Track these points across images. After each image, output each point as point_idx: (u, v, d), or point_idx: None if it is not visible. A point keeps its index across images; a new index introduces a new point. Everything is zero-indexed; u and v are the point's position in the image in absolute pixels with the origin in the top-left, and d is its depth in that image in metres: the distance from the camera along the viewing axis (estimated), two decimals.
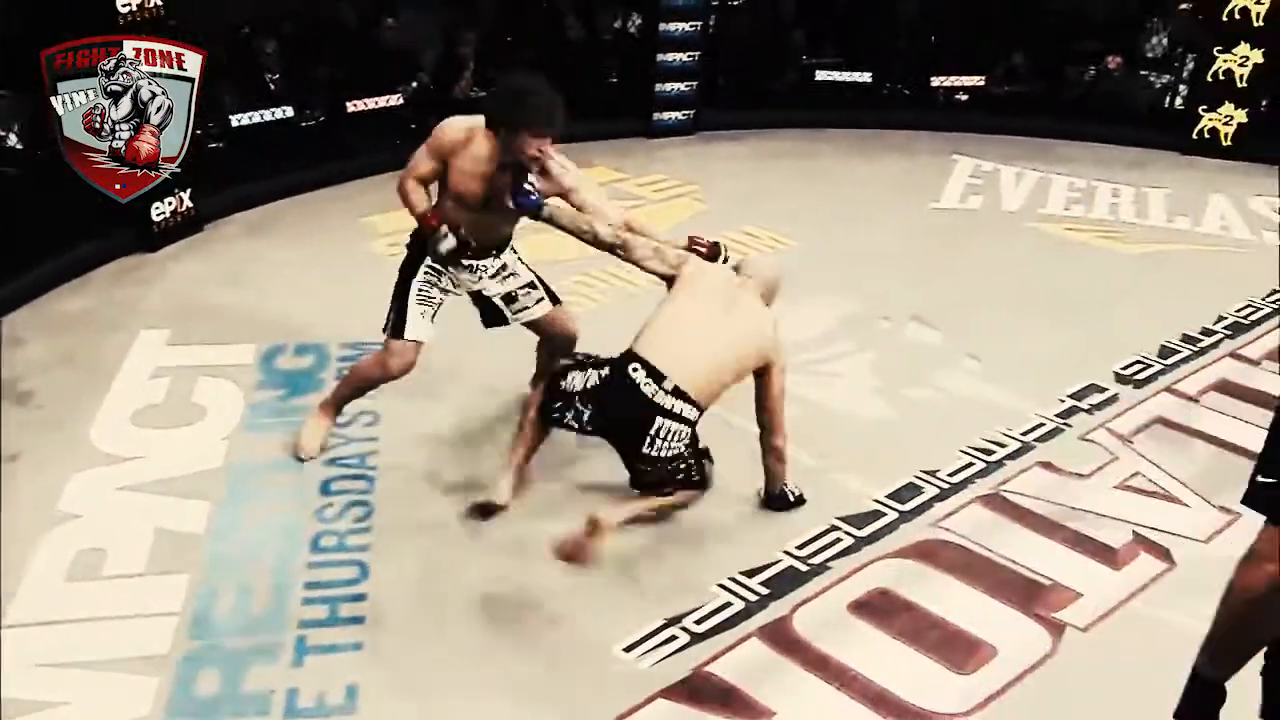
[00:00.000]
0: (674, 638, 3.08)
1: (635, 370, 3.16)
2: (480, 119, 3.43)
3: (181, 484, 3.64)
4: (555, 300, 3.85)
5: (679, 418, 3.13)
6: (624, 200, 6.38)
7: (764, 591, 3.26)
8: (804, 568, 3.36)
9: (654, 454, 3.14)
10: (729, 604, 3.21)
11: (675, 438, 3.14)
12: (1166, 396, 4.44)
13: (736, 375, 3.27)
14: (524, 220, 3.53)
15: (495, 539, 3.45)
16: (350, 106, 6.61)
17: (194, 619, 3.08)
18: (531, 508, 3.58)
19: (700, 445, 3.33)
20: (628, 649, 3.04)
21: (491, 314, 3.84)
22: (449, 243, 3.45)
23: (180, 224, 5.52)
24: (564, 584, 3.26)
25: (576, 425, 3.28)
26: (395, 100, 6.73)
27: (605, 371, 3.23)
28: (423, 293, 3.61)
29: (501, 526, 3.50)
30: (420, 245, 3.60)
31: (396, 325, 3.62)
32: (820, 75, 7.93)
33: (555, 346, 3.88)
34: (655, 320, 3.29)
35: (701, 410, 3.19)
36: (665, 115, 7.55)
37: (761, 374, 3.34)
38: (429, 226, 3.47)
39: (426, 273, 3.61)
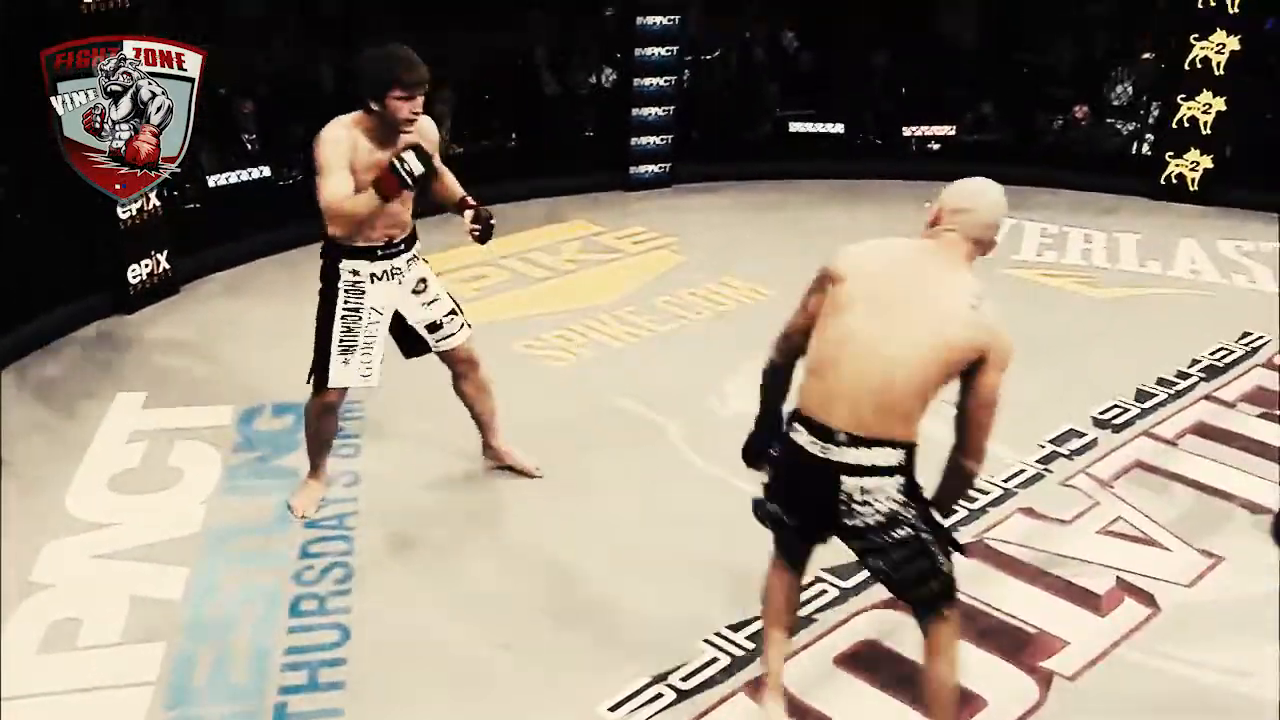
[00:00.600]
0: (660, 695, 3.04)
1: (797, 432, 2.57)
2: (343, 117, 3.42)
3: (159, 550, 3.59)
4: (468, 324, 3.86)
5: (870, 470, 2.48)
6: (602, 253, 6.44)
7: (750, 646, 3.22)
8: None
9: (861, 525, 2.52)
10: (715, 659, 3.18)
11: (879, 495, 2.49)
12: (1145, 440, 4.47)
13: (940, 377, 2.49)
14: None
15: (478, 600, 3.42)
16: None
17: (170, 688, 3.03)
18: (513, 562, 3.56)
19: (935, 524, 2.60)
20: (613, 708, 3.00)
21: (412, 342, 3.79)
22: (411, 155, 3.30)
23: (157, 286, 5.51)
24: (548, 643, 3.23)
25: (791, 540, 2.77)
26: None
27: (775, 451, 2.67)
28: (343, 341, 3.58)
29: (483, 586, 3.47)
30: (332, 288, 3.56)
31: (319, 378, 3.61)
32: (794, 127, 8.03)
33: (461, 373, 3.86)
34: (808, 358, 2.63)
35: (902, 446, 2.50)
36: (642, 168, 7.62)
37: (970, 370, 2.50)
38: (388, 176, 3.30)
39: (344, 316, 3.57)
